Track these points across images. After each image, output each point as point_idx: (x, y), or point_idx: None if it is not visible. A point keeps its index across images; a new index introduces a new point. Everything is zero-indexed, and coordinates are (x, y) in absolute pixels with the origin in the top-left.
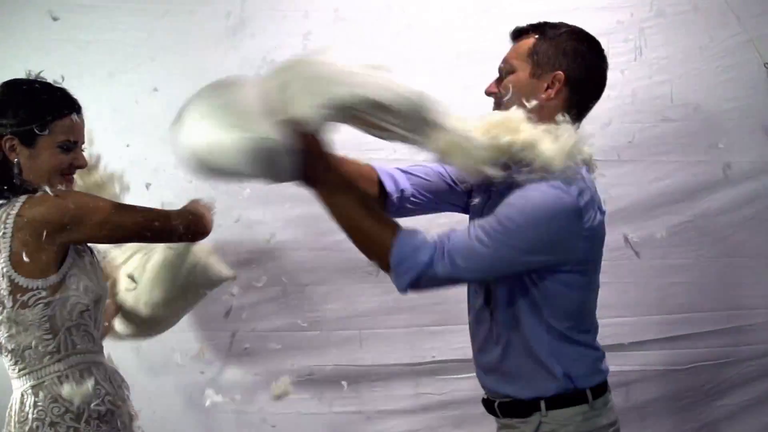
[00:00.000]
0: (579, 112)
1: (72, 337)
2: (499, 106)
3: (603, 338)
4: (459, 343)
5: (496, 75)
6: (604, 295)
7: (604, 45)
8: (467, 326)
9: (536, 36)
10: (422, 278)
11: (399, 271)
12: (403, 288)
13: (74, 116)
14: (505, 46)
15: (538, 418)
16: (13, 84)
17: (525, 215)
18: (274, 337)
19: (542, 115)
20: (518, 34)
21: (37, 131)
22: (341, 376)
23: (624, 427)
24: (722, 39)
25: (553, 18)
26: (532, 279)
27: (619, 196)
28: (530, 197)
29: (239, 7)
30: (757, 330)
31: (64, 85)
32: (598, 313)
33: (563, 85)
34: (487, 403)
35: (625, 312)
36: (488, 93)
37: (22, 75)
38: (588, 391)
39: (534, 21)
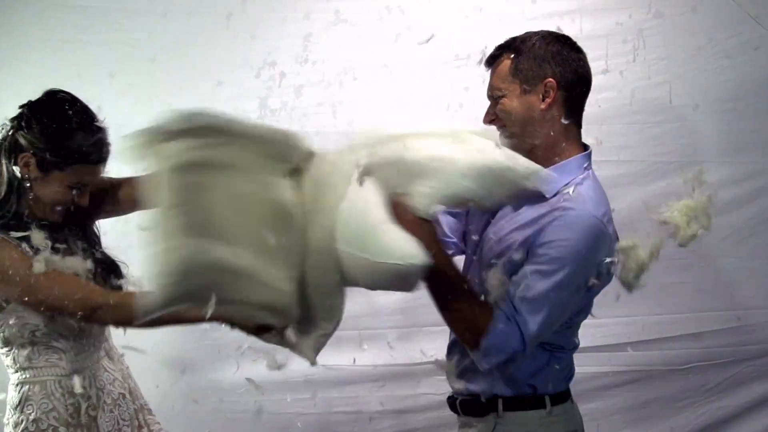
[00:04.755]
0: (577, 111)
1: (27, 352)
2: (504, 129)
3: (604, 338)
4: None
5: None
6: (604, 295)
7: (603, 46)
8: None
9: (511, 55)
10: (509, 360)
11: (489, 356)
12: (488, 367)
13: (96, 167)
14: None
15: (494, 418)
16: (58, 102)
17: (576, 253)
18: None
19: (546, 125)
20: (492, 60)
21: (56, 167)
22: (341, 376)
23: (624, 427)
24: (720, 40)
25: (552, 19)
26: None
27: (618, 197)
28: (574, 233)
29: (240, 8)
30: (757, 330)
31: (66, 88)
32: (598, 312)
33: (557, 90)
34: (450, 401)
35: (625, 312)
36: (487, 122)
37: (21, 75)
38: (547, 397)
39: (503, 42)
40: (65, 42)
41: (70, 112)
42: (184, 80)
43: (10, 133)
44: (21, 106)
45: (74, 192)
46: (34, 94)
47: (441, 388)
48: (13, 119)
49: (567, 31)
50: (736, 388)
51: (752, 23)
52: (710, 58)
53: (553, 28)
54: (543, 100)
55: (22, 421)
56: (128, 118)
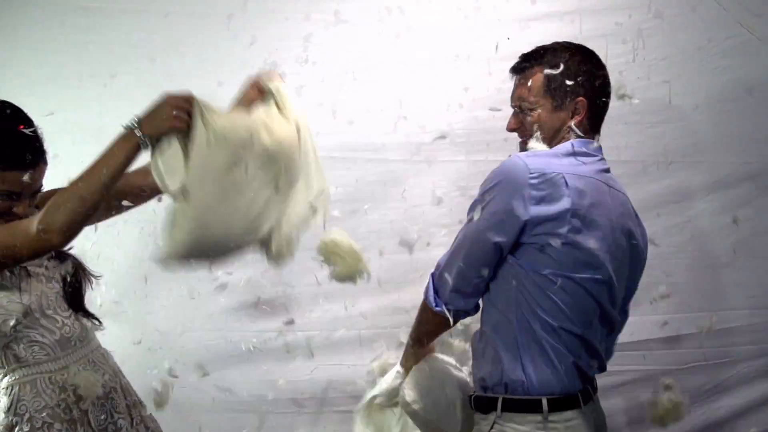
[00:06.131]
0: (600, 120)
1: (14, 351)
2: (525, 144)
3: None
4: (456, 343)
5: (499, 76)
6: None
7: (602, 46)
8: (467, 326)
9: (544, 68)
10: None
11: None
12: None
13: (23, 173)
14: (503, 47)
15: (494, 417)
16: None
17: (483, 185)
18: (273, 337)
19: (571, 134)
20: (522, 68)
21: None
22: (341, 375)
23: (624, 427)
24: (720, 40)
25: (551, 20)
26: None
27: None
28: (493, 172)
29: (240, 9)
30: (756, 330)
31: (66, 88)
32: None
33: (587, 108)
34: (468, 396)
35: None
36: (511, 130)
37: (22, 76)
38: (544, 399)
39: (529, 51)
40: (66, 43)
41: None
42: (184, 81)
43: None
44: None
45: (6, 201)
46: (34, 95)
47: None
48: None
49: (566, 31)
50: (735, 389)
51: (752, 23)
52: (710, 58)
53: (552, 28)
54: (572, 116)
55: (16, 423)
56: (129, 119)
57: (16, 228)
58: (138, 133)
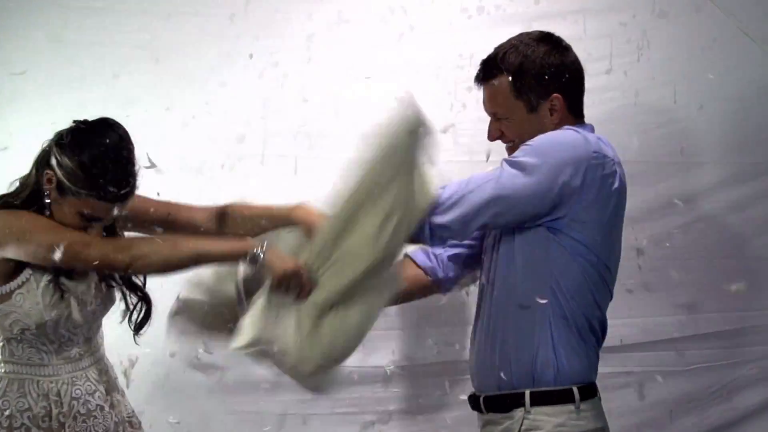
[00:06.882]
0: (580, 105)
1: (11, 347)
2: (513, 149)
3: (606, 339)
4: (459, 344)
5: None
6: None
7: (606, 46)
8: (467, 327)
9: (509, 73)
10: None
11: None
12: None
13: (114, 205)
14: None
15: (521, 413)
16: (97, 132)
17: (542, 145)
18: None
19: (555, 129)
20: (485, 77)
21: (71, 193)
22: (341, 376)
23: (629, 430)
24: (725, 40)
25: (555, 19)
26: (536, 237)
27: None
28: (550, 134)
29: (243, 9)
30: (761, 331)
31: (69, 88)
32: None
33: (563, 101)
34: (473, 399)
35: (628, 313)
36: (494, 139)
37: (24, 77)
38: (575, 389)
39: (488, 55)
40: (68, 43)
41: (103, 146)
42: (187, 81)
43: (47, 146)
44: (74, 121)
45: (85, 221)
46: (36, 95)
47: (445, 389)
48: (57, 133)
49: (570, 31)
50: (741, 390)
51: (756, 24)
52: (715, 58)
53: (556, 29)
54: (551, 114)
55: None
56: (131, 120)
57: (107, 246)
58: (257, 252)
